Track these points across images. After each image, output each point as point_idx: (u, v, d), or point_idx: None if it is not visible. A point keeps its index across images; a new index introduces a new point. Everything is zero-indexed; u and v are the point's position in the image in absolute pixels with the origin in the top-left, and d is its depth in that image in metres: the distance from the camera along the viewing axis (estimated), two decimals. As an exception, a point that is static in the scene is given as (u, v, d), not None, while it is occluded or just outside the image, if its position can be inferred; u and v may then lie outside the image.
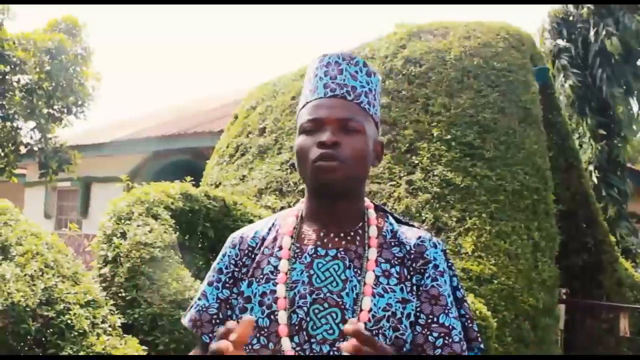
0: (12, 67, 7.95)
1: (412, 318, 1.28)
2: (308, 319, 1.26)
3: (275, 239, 1.38)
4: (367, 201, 1.41)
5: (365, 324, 1.24)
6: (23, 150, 8.74)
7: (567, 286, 6.74)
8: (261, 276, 1.33)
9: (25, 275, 3.00)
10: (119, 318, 3.19)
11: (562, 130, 7.20)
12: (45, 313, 2.90)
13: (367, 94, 1.37)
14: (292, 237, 1.36)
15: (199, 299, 1.40)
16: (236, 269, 1.37)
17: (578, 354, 6.62)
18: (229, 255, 1.40)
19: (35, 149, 8.60)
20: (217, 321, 1.35)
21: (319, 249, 1.33)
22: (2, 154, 8.50)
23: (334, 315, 1.26)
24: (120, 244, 3.59)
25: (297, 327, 1.26)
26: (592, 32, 10.50)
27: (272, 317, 1.27)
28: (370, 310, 1.26)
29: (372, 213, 1.39)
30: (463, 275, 4.76)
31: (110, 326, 3.07)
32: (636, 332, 6.68)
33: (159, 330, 3.21)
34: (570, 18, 10.89)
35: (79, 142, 12.71)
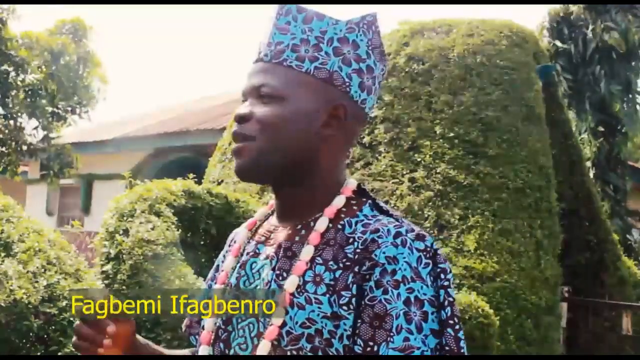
0: (16, 66, 7.96)
1: (348, 341, 0.94)
2: (230, 328, 1.05)
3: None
4: (347, 184, 1.09)
5: (278, 341, 0.96)
6: (25, 149, 8.76)
7: (570, 284, 6.73)
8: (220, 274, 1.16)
9: (27, 272, 3.00)
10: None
11: (565, 128, 7.18)
12: (48, 310, 2.90)
13: (297, 47, 1.04)
14: (250, 230, 1.15)
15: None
16: None
17: (580, 353, 6.61)
18: (224, 253, 1.21)
19: (38, 147, 8.63)
20: None
21: (259, 245, 1.10)
22: (5, 152, 8.51)
23: (250, 327, 1.03)
24: (123, 241, 3.59)
25: (215, 336, 1.07)
26: (589, 29, 10.49)
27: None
28: (285, 325, 0.96)
29: (339, 200, 1.06)
30: (466, 273, 4.76)
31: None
32: (639, 330, 6.67)
33: (161, 327, 3.21)
34: (572, 17, 10.86)
35: (81, 139, 12.71)
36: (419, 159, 5.49)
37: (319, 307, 0.96)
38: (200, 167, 7.64)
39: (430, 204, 5.19)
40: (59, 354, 2.81)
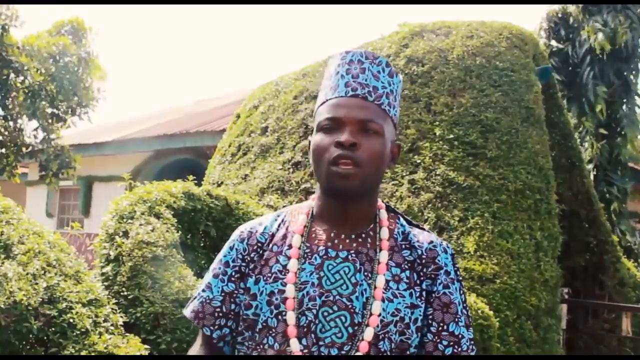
0: (16, 71, 7.95)
1: (419, 323, 1.28)
2: (317, 321, 1.24)
3: (284, 236, 1.35)
4: (379, 201, 1.39)
5: (373, 328, 1.23)
6: (24, 150, 8.74)
7: (569, 286, 6.73)
8: (269, 274, 1.30)
9: (27, 274, 3.00)
10: (121, 317, 3.19)
11: (564, 130, 7.19)
12: (48, 312, 2.90)
13: (388, 95, 1.34)
14: (302, 235, 1.33)
15: (203, 290, 1.36)
16: (243, 264, 1.34)
17: (580, 354, 6.61)
18: (236, 249, 1.36)
19: (37, 148, 8.62)
20: (220, 314, 1.33)
21: (329, 250, 1.30)
22: (4, 154, 8.50)
23: (342, 318, 1.24)
24: (123, 242, 3.59)
25: (305, 329, 1.24)
26: (584, 30, 10.49)
27: (280, 317, 1.26)
28: (380, 314, 1.24)
29: (383, 214, 1.36)
30: (465, 275, 4.76)
31: (112, 325, 3.06)
32: (638, 331, 6.67)
33: (161, 329, 3.21)
34: (570, 18, 10.86)
35: (81, 141, 12.73)
36: (418, 161, 5.49)
37: (403, 300, 1.27)
38: (199, 168, 7.65)
39: (430, 205, 5.20)
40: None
